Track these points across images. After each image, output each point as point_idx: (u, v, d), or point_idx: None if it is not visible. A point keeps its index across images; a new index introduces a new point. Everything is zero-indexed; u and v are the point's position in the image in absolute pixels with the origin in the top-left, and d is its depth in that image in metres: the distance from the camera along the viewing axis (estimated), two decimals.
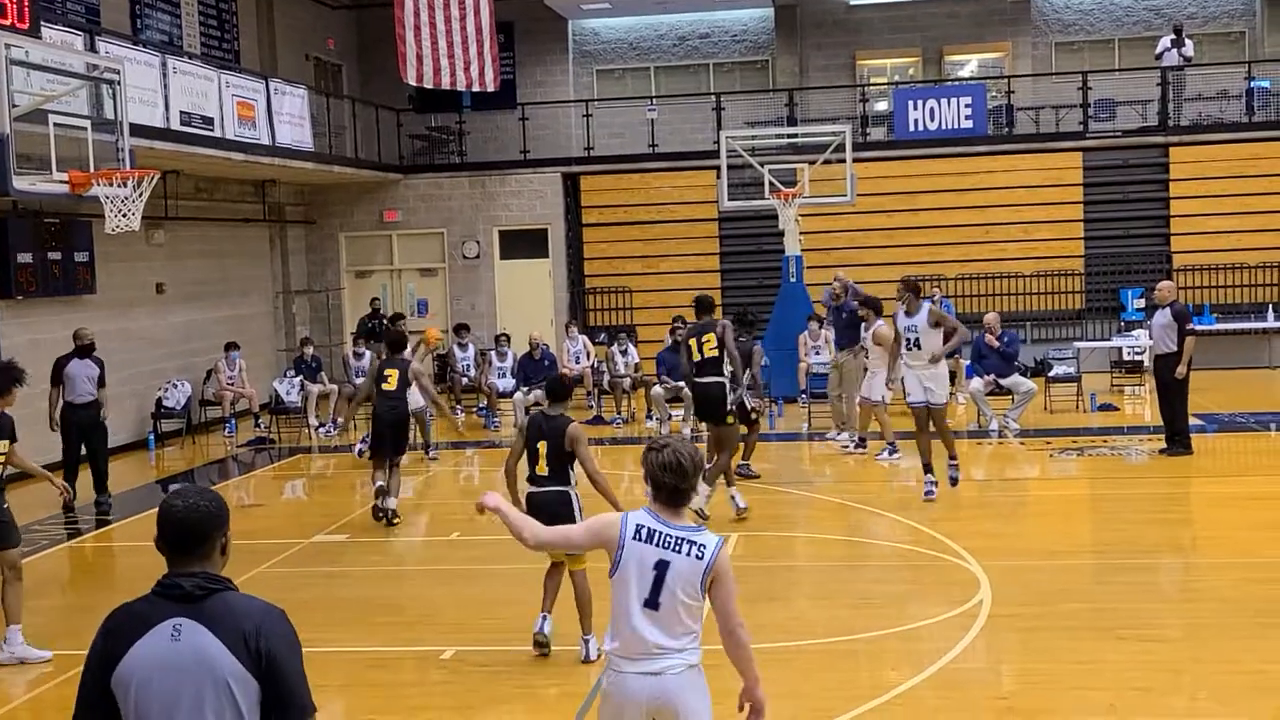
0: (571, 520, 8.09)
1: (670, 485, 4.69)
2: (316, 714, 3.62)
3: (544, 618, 8.64)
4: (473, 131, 27.13)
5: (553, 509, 8.23)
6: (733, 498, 12.59)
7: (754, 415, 14.49)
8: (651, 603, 4.65)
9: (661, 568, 4.64)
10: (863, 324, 16.26)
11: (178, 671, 3.47)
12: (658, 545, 4.66)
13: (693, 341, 12.67)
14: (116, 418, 17.33)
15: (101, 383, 14.85)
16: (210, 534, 3.63)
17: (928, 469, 13.22)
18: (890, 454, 15.75)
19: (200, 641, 3.48)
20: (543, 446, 8.56)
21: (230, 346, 20.45)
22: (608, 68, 28.84)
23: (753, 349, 14.44)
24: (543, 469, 8.55)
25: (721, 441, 12.60)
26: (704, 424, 12.92)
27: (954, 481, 13.23)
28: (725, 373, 12.49)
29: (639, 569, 4.65)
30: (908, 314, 13.11)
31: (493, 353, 20.94)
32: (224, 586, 3.60)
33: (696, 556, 4.66)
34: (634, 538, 4.67)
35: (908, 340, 13.08)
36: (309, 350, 21.20)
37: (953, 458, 13.20)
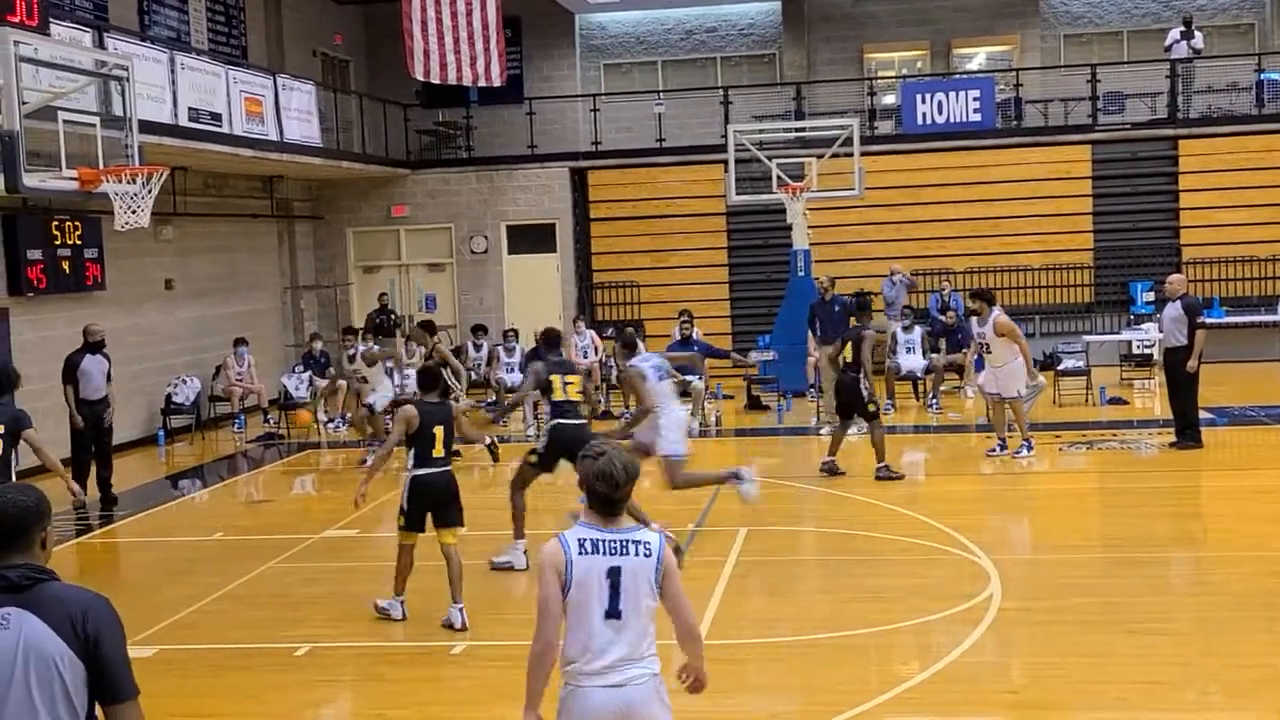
0: (458, 493, 9.49)
1: (604, 494, 4.66)
2: (139, 697, 3.74)
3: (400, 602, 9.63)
4: (480, 126, 27.12)
5: (449, 487, 9.44)
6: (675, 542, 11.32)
7: (871, 408, 14.58)
8: (613, 612, 4.62)
9: (615, 574, 4.61)
10: (974, 318, 15.57)
11: (8, 658, 3.61)
12: (604, 553, 4.63)
13: (555, 378, 11.18)
14: (126, 414, 17.40)
15: (108, 379, 14.89)
16: (29, 527, 3.77)
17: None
18: (1001, 449, 15.35)
19: (29, 628, 3.62)
20: (439, 431, 9.31)
21: (239, 342, 20.48)
22: (615, 62, 28.82)
23: (863, 335, 14.65)
24: (439, 451, 9.33)
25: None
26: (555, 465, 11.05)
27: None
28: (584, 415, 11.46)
29: (594, 581, 4.61)
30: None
31: (500, 348, 20.96)
32: (49, 577, 3.73)
33: (645, 554, 4.66)
34: (580, 553, 4.62)
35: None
36: (318, 346, 21.22)
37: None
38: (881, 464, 14.32)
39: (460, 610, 9.36)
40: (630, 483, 4.71)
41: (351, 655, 9.06)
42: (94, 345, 14.76)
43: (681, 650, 4.85)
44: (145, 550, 12.82)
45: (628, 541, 4.67)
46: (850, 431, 17.48)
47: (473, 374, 21.38)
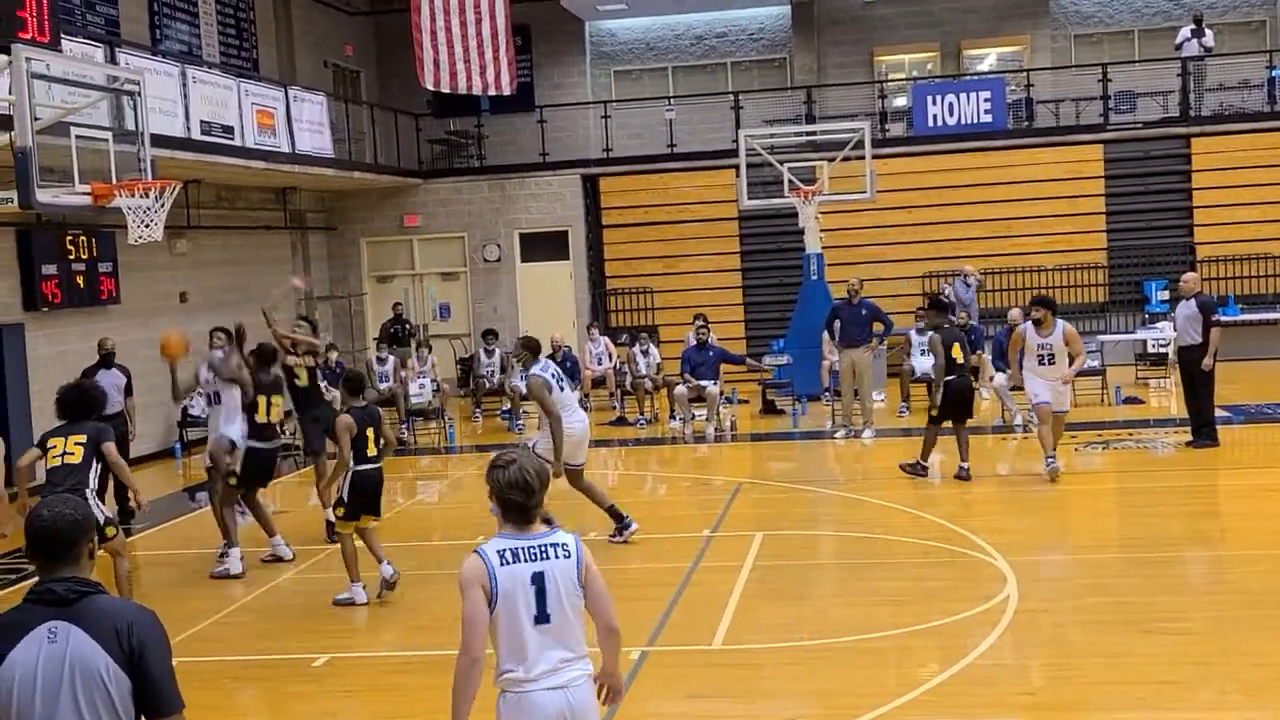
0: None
1: (518, 503, 4.68)
2: (184, 710, 3.77)
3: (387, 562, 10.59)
4: (491, 135, 27.19)
5: (382, 482, 10.55)
6: None
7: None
8: (542, 617, 4.63)
9: (539, 579, 4.63)
10: (1035, 325, 14.00)
11: (55, 671, 3.65)
12: (525, 560, 4.65)
13: (262, 399, 12.01)
14: (143, 427, 17.45)
15: (129, 392, 14.92)
16: (77, 540, 3.80)
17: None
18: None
19: (76, 641, 3.66)
20: (371, 433, 10.41)
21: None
22: (625, 68, 28.86)
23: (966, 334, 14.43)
24: (373, 450, 10.44)
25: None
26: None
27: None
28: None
29: (519, 590, 4.62)
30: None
31: (514, 356, 20.97)
32: (95, 590, 3.77)
33: (565, 556, 4.70)
34: (501, 564, 4.63)
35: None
36: (333, 356, 21.24)
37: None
38: (966, 464, 14.16)
39: (389, 564, 10.59)
40: (543, 489, 4.74)
41: (369, 664, 9.09)
42: (105, 359, 14.81)
43: (600, 647, 4.84)
44: (164, 563, 12.84)
45: (546, 546, 4.70)
46: (865, 435, 17.53)
47: (485, 382, 21.40)
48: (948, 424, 14.27)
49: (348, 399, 10.65)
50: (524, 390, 19.97)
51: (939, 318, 14.57)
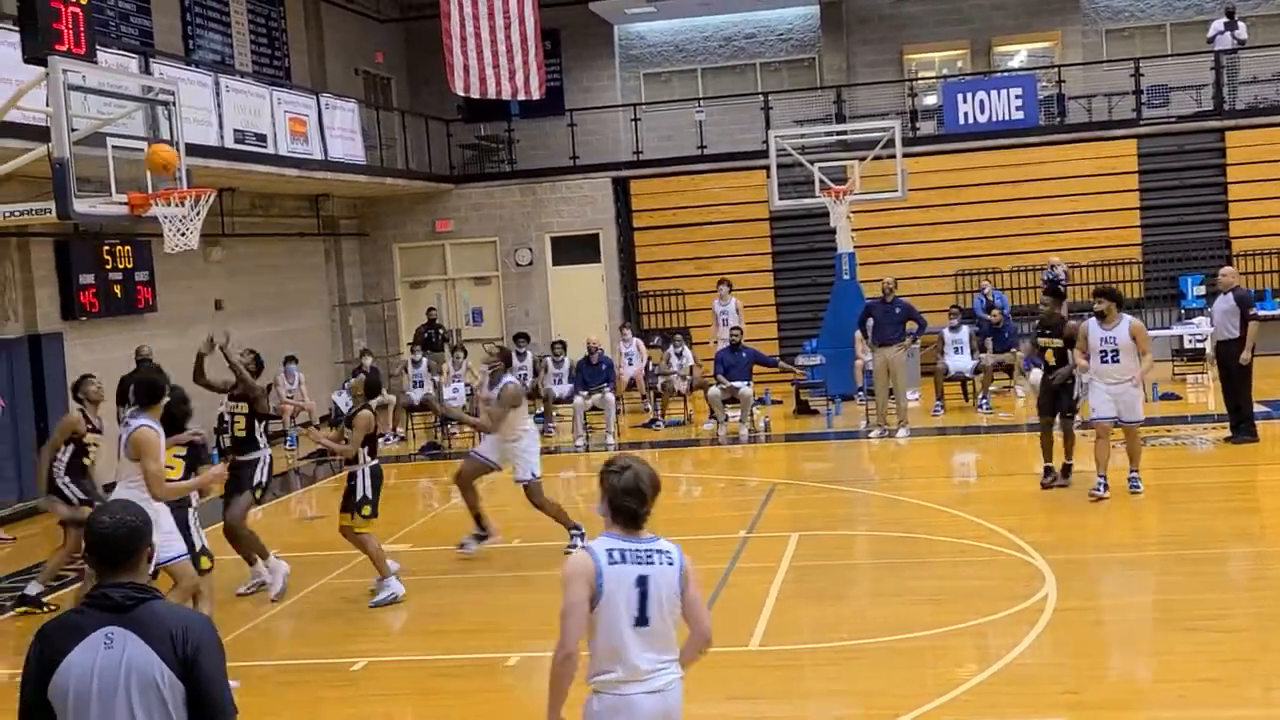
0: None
1: (630, 509, 4.73)
2: (238, 717, 3.83)
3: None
4: (522, 139, 27.25)
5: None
6: None
7: (1076, 408, 13.52)
8: (642, 620, 4.68)
9: (643, 582, 4.69)
10: (1098, 318, 12.68)
11: (111, 677, 3.70)
12: (632, 562, 4.70)
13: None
14: None
15: None
16: (138, 547, 3.86)
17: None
18: (1104, 489, 12.86)
19: (131, 648, 3.71)
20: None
21: (289, 360, 20.64)
22: (654, 71, 28.88)
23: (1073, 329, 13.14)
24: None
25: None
26: None
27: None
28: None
29: (623, 590, 4.67)
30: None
31: (549, 359, 21.02)
32: (151, 595, 3.82)
33: (668, 563, 4.74)
34: (610, 563, 4.68)
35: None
36: (368, 361, 21.33)
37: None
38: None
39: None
40: (655, 496, 4.79)
41: (408, 668, 9.12)
42: (141, 365, 15.00)
43: (686, 645, 4.88)
44: None
45: (652, 552, 4.75)
46: (900, 434, 17.48)
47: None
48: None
49: (364, 399, 10.97)
50: (558, 394, 20.15)
51: (1060, 307, 13.61)
